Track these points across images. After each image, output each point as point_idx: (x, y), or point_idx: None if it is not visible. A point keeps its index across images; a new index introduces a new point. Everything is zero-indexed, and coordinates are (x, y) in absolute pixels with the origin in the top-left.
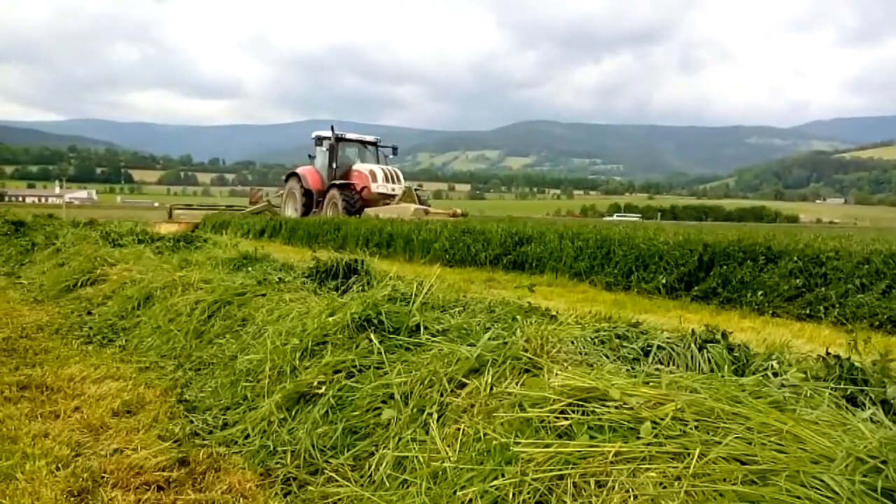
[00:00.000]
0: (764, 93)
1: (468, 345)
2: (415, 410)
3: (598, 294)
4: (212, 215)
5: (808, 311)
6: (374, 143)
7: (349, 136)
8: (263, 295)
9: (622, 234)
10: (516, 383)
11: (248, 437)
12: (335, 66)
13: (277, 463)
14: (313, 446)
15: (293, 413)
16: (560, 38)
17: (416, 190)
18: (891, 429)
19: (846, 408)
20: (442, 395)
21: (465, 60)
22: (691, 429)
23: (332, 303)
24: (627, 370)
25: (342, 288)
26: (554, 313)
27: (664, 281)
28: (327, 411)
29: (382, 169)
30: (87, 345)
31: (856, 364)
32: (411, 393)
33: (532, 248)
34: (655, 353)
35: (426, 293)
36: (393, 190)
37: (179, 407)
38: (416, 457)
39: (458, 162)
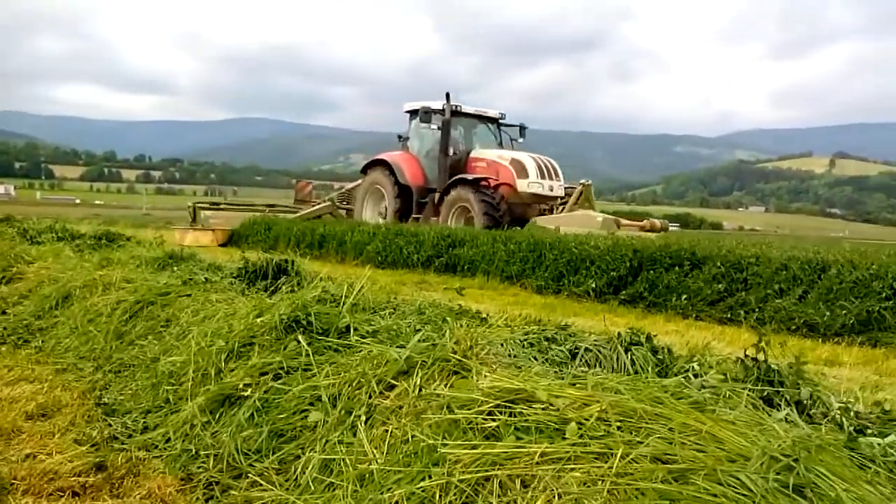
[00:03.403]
0: (692, 103)
1: (398, 346)
2: (343, 412)
3: (528, 297)
4: (253, 219)
5: (729, 315)
6: (495, 120)
7: (466, 108)
8: (189, 295)
9: (554, 238)
10: (445, 385)
11: (169, 440)
12: (270, 64)
13: (199, 467)
14: (237, 450)
15: (217, 416)
16: (497, 45)
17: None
18: (803, 429)
19: (762, 408)
20: (370, 397)
21: (402, 63)
22: (615, 429)
23: (260, 303)
24: (555, 372)
25: (271, 289)
26: (484, 316)
27: (594, 285)
28: (252, 414)
29: (534, 158)
30: (1, 346)
31: (772, 366)
32: (339, 395)
33: (464, 250)
34: (582, 356)
35: (357, 294)
36: (551, 189)
37: (98, 410)
38: (343, 459)
39: None
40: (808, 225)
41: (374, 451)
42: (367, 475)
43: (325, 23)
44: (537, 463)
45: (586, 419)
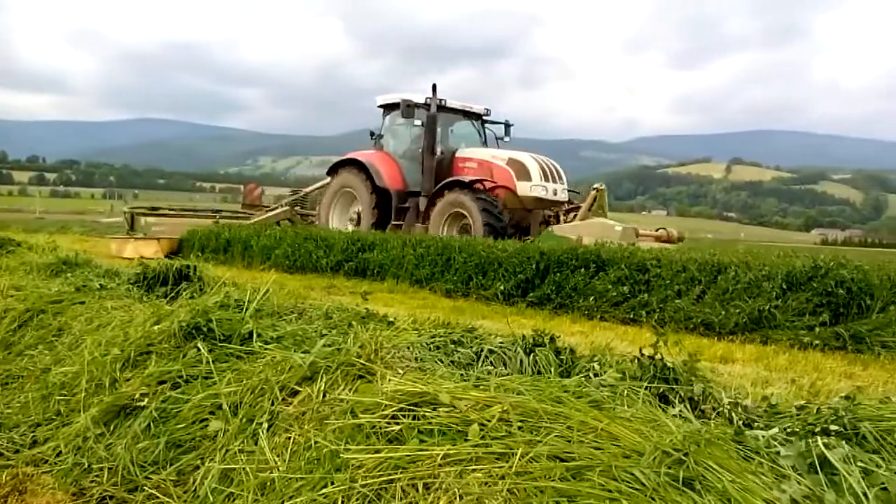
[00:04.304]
0: (597, 109)
1: (303, 352)
2: (244, 420)
3: (438, 300)
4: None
5: (632, 316)
6: (479, 116)
7: (451, 103)
8: (82, 303)
9: (463, 242)
10: (350, 390)
11: (60, 454)
12: (173, 63)
13: (92, 481)
14: (133, 462)
15: (112, 428)
16: (408, 49)
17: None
18: (694, 424)
19: (657, 405)
20: (273, 404)
21: (313, 65)
22: (516, 429)
23: (158, 310)
24: (461, 374)
25: (171, 295)
26: (392, 319)
27: (502, 288)
28: (149, 424)
29: (536, 158)
30: None
31: (668, 364)
32: (241, 402)
33: (374, 254)
34: (488, 357)
35: (261, 299)
36: (555, 193)
37: None
38: (244, 468)
39: (302, 167)
40: (706, 228)
41: (276, 459)
42: (269, 483)
43: (232, 22)
44: (440, 465)
45: (488, 420)
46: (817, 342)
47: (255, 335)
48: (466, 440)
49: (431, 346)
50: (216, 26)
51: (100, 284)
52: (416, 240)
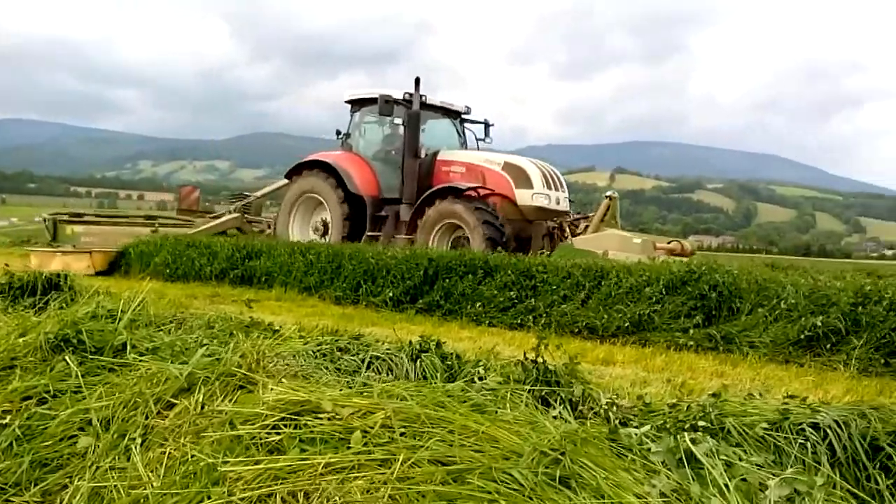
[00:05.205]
0: (488, 117)
1: (180, 363)
2: (116, 436)
3: (327, 308)
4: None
5: (519, 321)
6: (458, 115)
7: (431, 100)
8: None
9: (353, 248)
10: (229, 400)
11: None
12: (43, 60)
13: None
14: None
15: None
16: (297, 54)
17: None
18: (571, 424)
19: (538, 407)
20: (147, 418)
21: (196, 67)
22: (398, 435)
23: (24, 322)
24: (346, 382)
25: (39, 305)
26: (277, 328)
27: (391, 294)
28: (12, 443)
29: (536, 164)
30: None
31: (550, 367)
32: (113, 417)
33: (261, 262)
34: (373, 364)
35: (136, 309)
36: (558, 202)
37: None
38: (116, 485)
39: (186, 172)
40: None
41: (150, 475)
42: (142, 500)
43: (109, 20)
44: (321, 474)
45: (371, 427)
46: (691, 343)
47: (129, 347)
48: (349, 448)
49: (317, 353)
50: (91, 23)
51: None
52: (304, 247)
